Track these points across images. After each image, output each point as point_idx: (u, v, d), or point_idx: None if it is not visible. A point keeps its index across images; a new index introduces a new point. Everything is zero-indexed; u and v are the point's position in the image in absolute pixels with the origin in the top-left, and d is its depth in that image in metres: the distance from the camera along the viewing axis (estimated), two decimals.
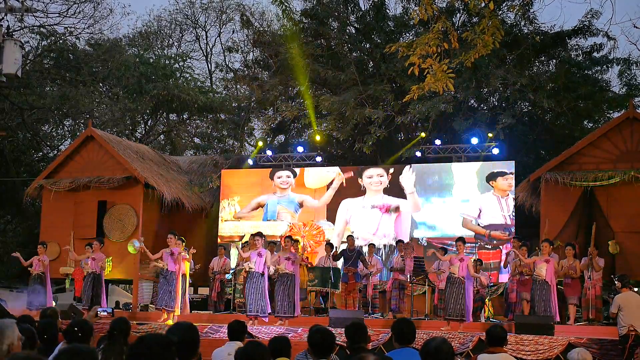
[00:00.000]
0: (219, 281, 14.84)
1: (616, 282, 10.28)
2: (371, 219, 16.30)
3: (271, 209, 17.00)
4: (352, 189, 16.60)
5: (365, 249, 14.84)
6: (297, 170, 17.08)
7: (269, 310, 12.40)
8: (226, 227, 17.22)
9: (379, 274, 14.67)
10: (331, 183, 16.72)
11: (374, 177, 16.52)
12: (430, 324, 12.29)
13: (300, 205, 16.90)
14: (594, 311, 12.19)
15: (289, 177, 17.08)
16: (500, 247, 14.83)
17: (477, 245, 15.23)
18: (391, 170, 16.45)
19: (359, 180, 16.62)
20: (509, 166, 15.56)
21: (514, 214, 15.18)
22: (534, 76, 17.83)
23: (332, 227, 16.47)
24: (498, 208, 15.42)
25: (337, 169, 16.98)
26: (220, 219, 17.30)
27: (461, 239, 12.53)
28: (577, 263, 12.35)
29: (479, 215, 15.53)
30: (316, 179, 17.01)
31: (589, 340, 10.39)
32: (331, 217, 16.64)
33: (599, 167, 13.67)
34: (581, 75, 19.35)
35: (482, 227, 15.44)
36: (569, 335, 10.80)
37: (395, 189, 16.29)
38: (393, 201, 16.23)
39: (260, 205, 17.16)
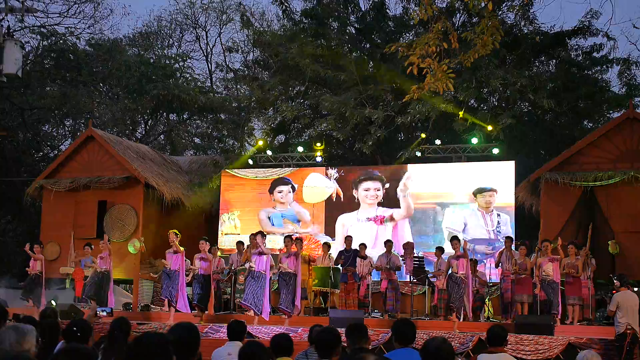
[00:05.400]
0: (215, 281, 14.80)
1: (615, 281, 10.31)
2: (367, 231, 16.02)
3: (277, 222, 16.96)
4: (348, 203, 16.47)
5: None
6: (296, 185, 16.97)
7: (268, 310, 12.30)
8: (226, 241, 17.10)
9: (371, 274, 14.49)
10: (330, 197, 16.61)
11: (371, 191, 16.36)
12: (431, 324, 12.27)
13: (299, 220, 16.87)
14: (588, 310, 12.23)
15: (289, 192, 16.99)
16: (484, 261, 14.51)
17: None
18: (387, 185, 16.25)
19: (354, 192, 16.48)
20: (508, 166, 15.52)
21: (498, 230, 15.07)
22: (534, 76, 17.82)
23: (331, 240, 15.87)
24: (482, 223, 15.32)
25: (335, 184, 16.65)
26: (220, 232, 17.24)
27: (455, 238, 12.46)
28: (579, 262, 12.35)
29: (463, 230, 15.40)
30: (315, 194, 16.83)
31: (588, 340, 10.39)
32: (329, 231, 16.48)
33: (599, 167, 13.66)
34: (581, 75, 19.36)
35: (466, 240, 15.26)
36: (569, 335, 10.80)
37: (388, 201, 16.17)
38: (386, 212, 16.14)
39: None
